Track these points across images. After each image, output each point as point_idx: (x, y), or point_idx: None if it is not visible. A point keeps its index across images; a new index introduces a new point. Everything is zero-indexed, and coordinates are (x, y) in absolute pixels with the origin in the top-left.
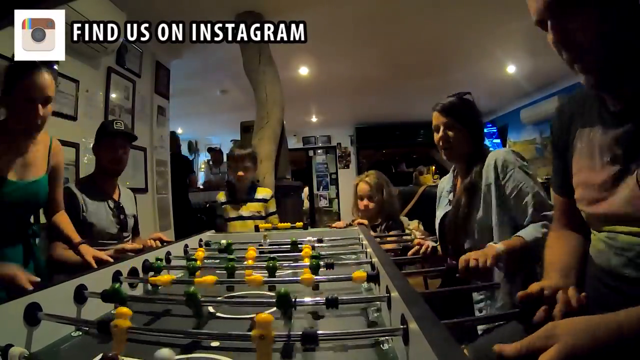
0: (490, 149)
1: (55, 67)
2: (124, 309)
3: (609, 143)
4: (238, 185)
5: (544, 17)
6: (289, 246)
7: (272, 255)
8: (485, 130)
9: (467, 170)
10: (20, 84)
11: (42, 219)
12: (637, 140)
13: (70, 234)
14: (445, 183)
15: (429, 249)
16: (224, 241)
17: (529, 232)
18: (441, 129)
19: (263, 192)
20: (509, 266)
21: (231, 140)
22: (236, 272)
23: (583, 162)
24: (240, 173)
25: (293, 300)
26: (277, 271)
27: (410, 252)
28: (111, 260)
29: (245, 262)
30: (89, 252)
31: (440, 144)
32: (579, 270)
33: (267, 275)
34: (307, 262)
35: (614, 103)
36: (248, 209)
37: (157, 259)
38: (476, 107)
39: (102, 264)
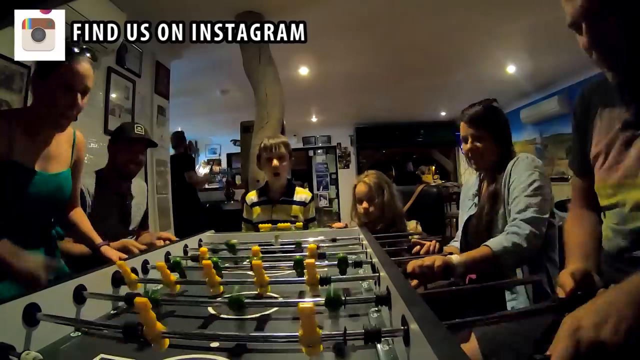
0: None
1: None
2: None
3: (625, 116)
4: (272, 181)
5: (578, 21)
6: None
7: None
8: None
9: (492, 176)
10: (60, 69)
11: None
12: None
13: (90, 234)
14: (470, 186)
15: (436, 248)
16: (235, 240)
17: (497, 241)
18: (469, 140)
19: (303, 193)
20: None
21: (231, 140)
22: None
23: (601, 135)
24: (276, 163)
25: (344, 298)
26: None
27: (414, 251)
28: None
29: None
30: (114, 254)
31: (469, 155)
32: (597, 249)
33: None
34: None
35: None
36: (284, 212)
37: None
38: (503, 114)
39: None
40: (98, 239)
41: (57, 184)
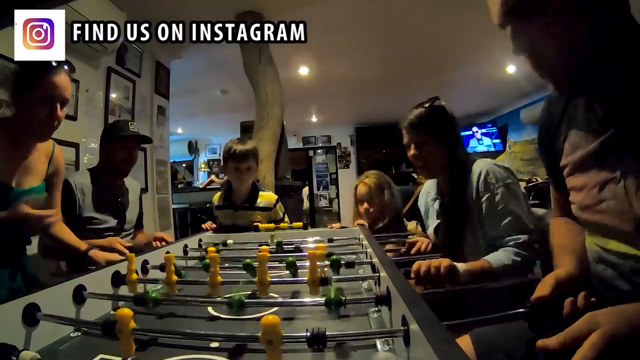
0: (472, 155)
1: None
2: (126, 310)
3: (596, 147)
4: (237, 187)
5: (503, 23)
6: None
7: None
8: (485, 130)
9: (450, 183)
10: (39, 82)
11: None
12: (621, 146)
13: (73, 244)
14: (428, 193)
15: (428, 247)
16: (230, 241)
17: (497, 257)
18: (412, 147)
19: (266, 198)
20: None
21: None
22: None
23: (574, 165)
24: (243, 176)
25: (344, 298)
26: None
27: (413, 250)
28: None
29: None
30: (102, 256)
31: (414, 162)
32: (585, 255)
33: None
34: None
35: (596, 107)
36: (246, 218)
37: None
38: (448, 114)
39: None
40: (83, 246)
41: (30, 201)
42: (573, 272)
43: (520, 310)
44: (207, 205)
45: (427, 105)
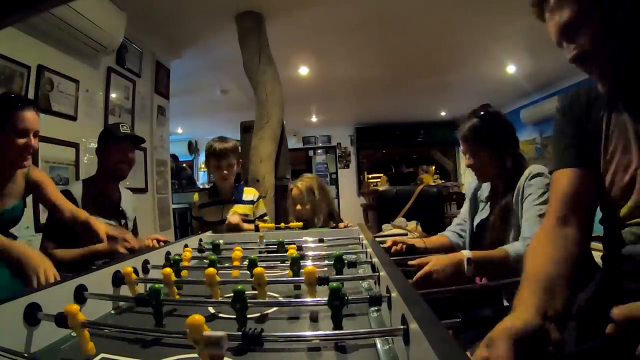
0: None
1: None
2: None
3: None
4: (221, 185)
5: (560, 41)
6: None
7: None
8: None
9: (502, 185)
10: (13, 118)
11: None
12: None
13: (76, 213)
14: (482, 187)
15: (403, 247)
16: (221, 241)
17: (515, 247)
18: (467, 156)
19: (250, 193)
20: (480, 274)
21: None
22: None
23: (620, 156)
24: (225, 172)
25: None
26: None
27: (393, 250)
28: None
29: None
30: (101, 226)
31: (472, 169)
32: (568, 281)
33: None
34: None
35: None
36: (234, 212)
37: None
38: (502, 120)
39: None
40: (84, 213)
41: (10, 218)
42: (531, 322)
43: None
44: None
45: (479, 114)
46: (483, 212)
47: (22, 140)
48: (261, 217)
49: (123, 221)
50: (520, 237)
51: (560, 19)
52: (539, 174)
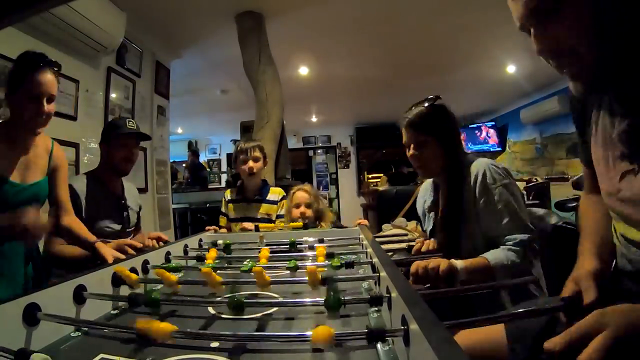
0: (472, 155)
1: (56, 68)
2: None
3: (618, 136)
4: (248, 181)
5: (525, 24)
6: (287, 246)
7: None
8: (491, 124)
9: (447, 184)
10: (25, 82)
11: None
12: (637, 139)
13: (85, 236)
14: (425, 196)
15: (430, 246)
16: (220, 241)
17: (496, 256)
18: (412, 146)
19: (275, 193)
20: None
21: (231, 140)
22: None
23: (598, 151)
24: (251, 164)
25: (343, 298)
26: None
27: (413, 250)
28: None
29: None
30: (107, 251)
31: (413, 162)
32: (611, 235)
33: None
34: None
35: (616, 104)
36: (257, 211)
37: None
38: (449, 113)
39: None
40: (92, 238)
41: (32, 193)
42: (599, 267)
43: (557, 304)
44: (207, 205)
45: (427, 104)
46: (429, 222)
47: (34, 105)
48: (279, 217)
49: (125, 214)
50: (503, 245)
51: (532, 2)
52: (481, 173)
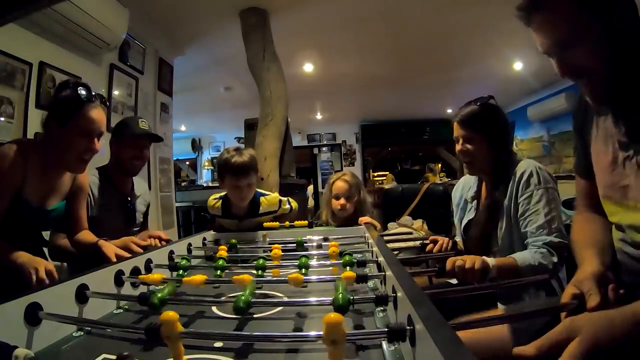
0: (518, 155)
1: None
2: (170, 314)
3: (619, 130)
4: (239, 203)
5: (548, 52)
6: (294, 245)
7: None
8: None
9: (492, 182)
10: (78, 117)
11: None
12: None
13: (90, 239)
14: (469, 185)
15: (449, 246)
16: (233, 240)
17: (524, 257)
18: (461, 141)
19: (269, 204)
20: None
21: (235, 138)
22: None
23: (598, 145)
24: (244, 193)
25: (352, 298)
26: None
27: (427, 249)
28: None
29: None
30: (110, 250)
31: (462, 157)
32: (609, 246)
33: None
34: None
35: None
36: (251, 224)
37: (183, 258)
38: (500, 113)
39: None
40: (94, 238)
41: (51, 217)
42: (594, 270)
43: (562, 304)
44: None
45: (479, 102)
46: (470, 213)
47: (84, 142)
48: (282, 217)
49: (132, 211)
50: (529, 247)
51: (554, 34)
52: (527, 173)
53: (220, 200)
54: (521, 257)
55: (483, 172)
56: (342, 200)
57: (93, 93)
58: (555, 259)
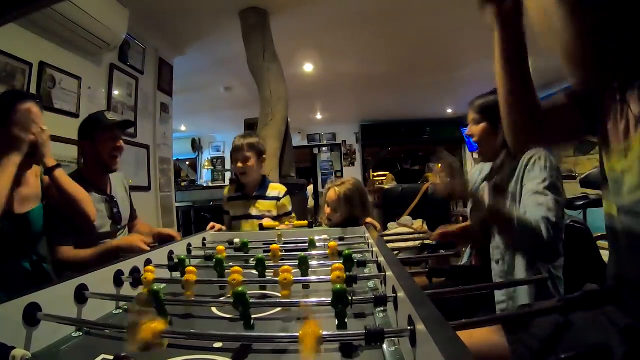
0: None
1: None
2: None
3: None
4: (242, 179)
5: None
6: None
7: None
8: None
9: (501, 167)
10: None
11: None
12: None
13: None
14: (481, 171)
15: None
16: (237, 240)
17: (521, 215)
18: (470, 125)
19: (276, 189)
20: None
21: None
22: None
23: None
24: (240, 165)
25: (350, 298)
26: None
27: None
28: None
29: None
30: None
31: (471, 139)
32: None
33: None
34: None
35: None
36: (257, 208)
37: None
38: None
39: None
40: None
41: (24, 222)
42: None
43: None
44: (211, 203)
45: (494, 92)
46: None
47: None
48: (286, 215)
49: (116, 210)
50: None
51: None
52: (536, 158)
53: (233, 184)
54: (518, 214)
55: (493, 160)
56: (328, 210)
57: (26, 93)
58: (546, 235)
